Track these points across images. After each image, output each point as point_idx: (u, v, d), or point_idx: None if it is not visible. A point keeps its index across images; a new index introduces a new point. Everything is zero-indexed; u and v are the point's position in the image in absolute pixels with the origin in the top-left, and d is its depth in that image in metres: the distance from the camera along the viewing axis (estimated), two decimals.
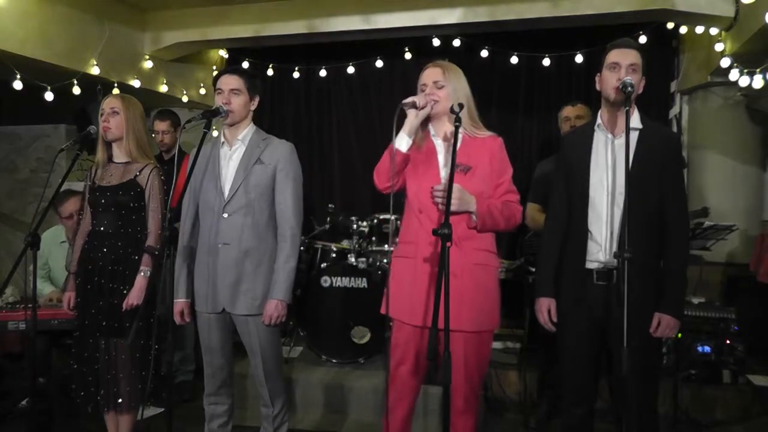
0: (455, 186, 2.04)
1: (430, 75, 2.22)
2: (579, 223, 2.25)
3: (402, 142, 2.12)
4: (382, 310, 2.27)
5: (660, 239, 2.19)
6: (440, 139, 2.25)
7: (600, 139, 2.25)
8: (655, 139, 2.20)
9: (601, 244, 2.19)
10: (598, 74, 2.25)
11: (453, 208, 2.04)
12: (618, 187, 2.16)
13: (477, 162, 2.18)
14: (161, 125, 3.80)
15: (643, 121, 2.22)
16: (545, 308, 2.30)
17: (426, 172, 2.20)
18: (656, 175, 2.16)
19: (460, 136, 2.08)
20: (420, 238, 2.16)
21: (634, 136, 2.18)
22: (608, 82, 2.17)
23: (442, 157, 2.22)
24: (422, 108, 2.14)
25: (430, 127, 2.26)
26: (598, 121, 2.26)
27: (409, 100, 2.12)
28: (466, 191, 2.11)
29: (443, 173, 2.19)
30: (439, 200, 2.11)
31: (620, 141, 2.17)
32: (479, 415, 3.23)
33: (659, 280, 2.18)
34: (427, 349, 1.74)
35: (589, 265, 2.21)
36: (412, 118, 2.13)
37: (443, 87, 2.20)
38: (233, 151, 2.47)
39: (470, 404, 2.20)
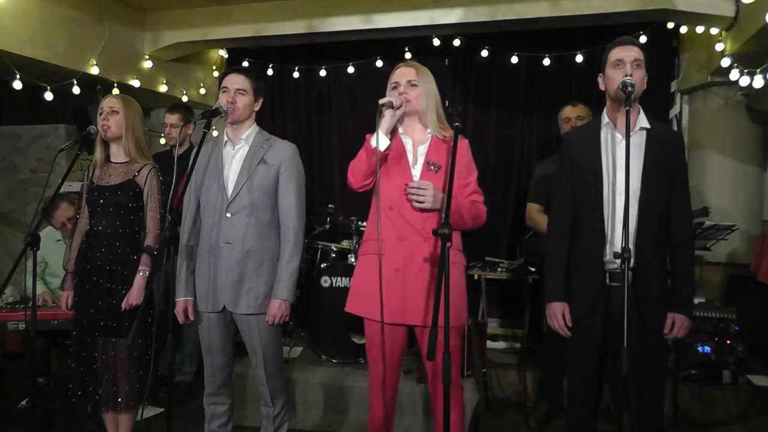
0: (428, 183, 2.11)
1: (404, 74, 2.25)
2: (591, 224, 2.21)
3: (382, 141, 2.13)
4: (348, 309, 2.30)
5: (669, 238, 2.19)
6: (409, 139, 2.28)
7: (609, 139, 2.22)
8: (663, 138, 2.19)
9: (616, 244, 2.16)
10: (601, 74, 2.24)
11: (426, 205, 2.12)
12: (632, 186, 2.12)
13: (445, 161, 2.21)
14: (171, 118, 3.75)
15: (649, 120, 2.21)
16: (559, 313, 2.24)
17: (397, 170, 2.23)
18: (667, 174, 2.16)
19: (430, 135, 2.17)
20: (389, 234, 2.19)
21: (642, 135, 2.18)
22: (614, 80, 2.14)
23: (411, 156, 2.26)
24: (398, 108, 2.16)
25: (399, 126, 2.28)
26: (606, 120, 2.23)
27: (386, 100, 2.15)
28: (438, 189, 2.15)
29: (414, 172, 2.23)
30: (413, 197, 2.14)
31: (631, 140, 2.17)
32: (478, 415, 3.24)
33: (670, 280, 2.17)
34: (427, 349, 1.74)
35: (605, 267, 2.18)
36: (389, 118, 2.16)
37: (416, 86, 2.23)
38: (236, 151, 2.47)
39: (452, 398, 2.20)
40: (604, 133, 2.23)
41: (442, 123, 2.29)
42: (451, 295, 2.17)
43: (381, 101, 2.16)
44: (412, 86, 2.23)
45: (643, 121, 2.20)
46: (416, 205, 2.15)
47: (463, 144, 2.29)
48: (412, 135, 2.29)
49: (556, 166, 3.37)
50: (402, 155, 2.25)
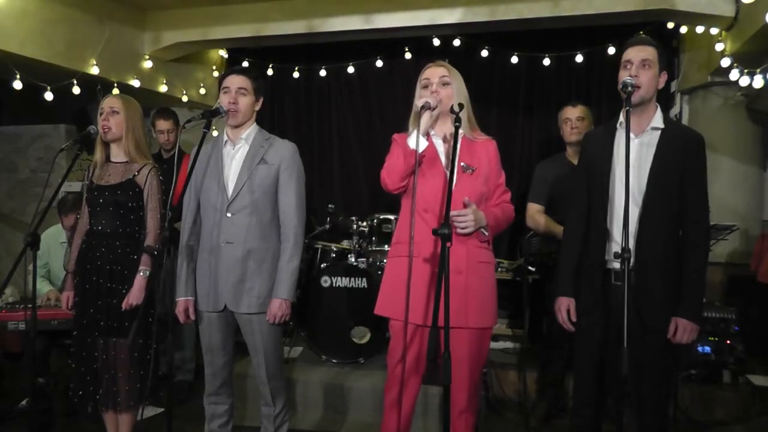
0: (471, 209, 2.08)
1: (436, 72, 2.23)
2: (598, 222, 2.23)
3: (420, 143, 2.10)
4: (377, 311, 2.28)
5: (681, 241, 2.17)
6: (440, 140, 2.26)
7: (622, 138, 2.21)
8: (678, 139, 2.17)
9: (620, 243, 2.15)
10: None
11: (470, 230, 2.09)
12: (638, 186, 2.14)
13: (479, 163, 2.21)
14: (166, 124, 3.82)
15: (665, 120, 2.20)
16: (564, 307, 2.28)
17: (431, 173, 2.21)
18: (678, 175, 2.14)
19: (459, 136, 2.11)
20: (423, 237, 2.16)
21: (655, 136, 2.17)
22: (620, 80, 2.14)
23: (444, 157, 2.24)
24: (434, 108, 2.14)
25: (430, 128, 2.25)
26: (620, 119, 2.24)
27: (424, 101, 2.12)
28: (478, 209, 2.14)
29: (448, 173, 2.20)
30: (457, 225, 2.09)
31: (642, 140, 2.17)
32: (479, 414, 3.24)
33: (678, 283, 2.15)
34: (427, 348, 1.74)
35: (608, 265, 2.19)
36: (427, 119, 2.13)
37: (448, 85, 2.21)
38: (236, 151, 2.47)
39: (471, 403, 2.21)
40: (618, 133, 2.24)
41: (472, 124, 2.28)
42: (489, 294, 2.20)
43: (419, 102, 2.13)
44: (444, 84, 2.20)
45: (657, 121, 2.19)
46: (460, 232, 2.11)
47: (492, 145, 2.29)
48: (442, 136, 2.26)
49: (557, 165, 3.41)
50: (435, 157, 2.22)
